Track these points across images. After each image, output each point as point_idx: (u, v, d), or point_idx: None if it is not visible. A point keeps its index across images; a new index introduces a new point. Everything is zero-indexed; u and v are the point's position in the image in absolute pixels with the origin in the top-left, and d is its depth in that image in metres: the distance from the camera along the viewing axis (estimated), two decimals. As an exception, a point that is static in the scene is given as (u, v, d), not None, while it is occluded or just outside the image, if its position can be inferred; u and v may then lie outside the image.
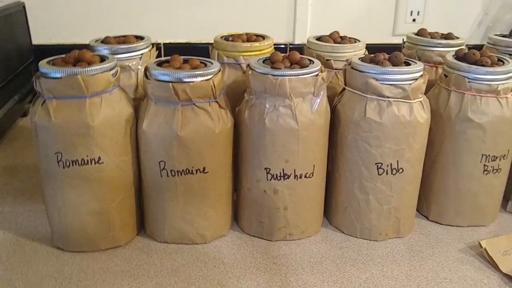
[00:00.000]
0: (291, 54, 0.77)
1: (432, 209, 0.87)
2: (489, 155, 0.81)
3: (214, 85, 0.72)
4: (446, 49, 0.92)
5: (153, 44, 0.91)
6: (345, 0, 1.35)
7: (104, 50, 0.83)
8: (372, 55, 0.79)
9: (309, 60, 0.78)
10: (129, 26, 1.28)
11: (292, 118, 0.74)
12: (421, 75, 0.76)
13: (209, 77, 0.72)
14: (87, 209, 0.74)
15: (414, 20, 1.38)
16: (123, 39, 0.88)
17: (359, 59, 0.79)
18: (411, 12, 1.38)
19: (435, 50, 0.92)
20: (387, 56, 0.79)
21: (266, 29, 1.32)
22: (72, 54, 0.73)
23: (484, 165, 0.82)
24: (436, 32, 0.98)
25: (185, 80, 0.71)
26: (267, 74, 0.73)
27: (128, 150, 0.75)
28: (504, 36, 1.00)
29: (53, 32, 1.27)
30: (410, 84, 0.74)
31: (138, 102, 0.80)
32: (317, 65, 0.76)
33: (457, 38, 0.96)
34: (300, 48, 1.34)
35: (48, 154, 0.71)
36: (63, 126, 0.69)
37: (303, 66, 0.75)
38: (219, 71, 0.75)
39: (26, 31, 1.24)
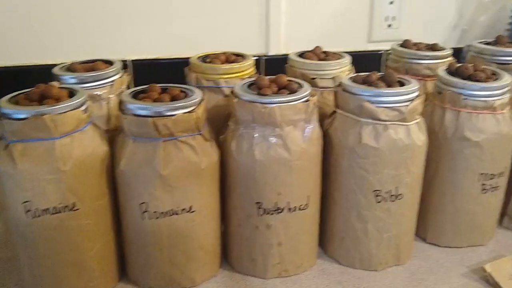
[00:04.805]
0: (278, 78, 0.72)
1: (430, 231, 0.83)
2: (487, 173, 0.77)
3: (198, 117, 0.66)
4: (434, 61, 0.88)
5: (124, 68, 0.83)
6: (319, 8, 1.30)
7: (70, 79, 0.75)
8: (364, 74, 0.74)
9: (297, 83, 0.72)
10: (93, 43, 1.19)
11: (284, 148, 0.68)
12: (417, 95, 0.71)
13: (192, 108, 0.66)
14: (62, 261, 0.66)
15: (389, 25, 1.35)
16: (91, 66, 0.80)
17: (350, 79, 0.74)
18: (386, 17, 1.34)
19: (423, 63, 0.88)
20: (378, 74, 0.75)
21: (238, 41, 1.26)
22: (36, 89, 0.65)
23: (482, 184, 0.78)
24: (420, 43, 0.94)
25: (166, 114, 0.64)
26: (255, 102, 0.67)
27: (105, 192, 0.68)
28: (488, 43, 0.97)
29: (11, 54, 1.17)
30: (406, 105, 0.69)
31: (112, 134, 0.73)
32: (307, 89, 0.70)
33: (443, 49, 0.92)
34: (274, 60, 1.29)
35: (15, 204, 0.63)
36: (31, 172, 0.61)
37: (291, 91, 0.70)
38: (202, 100, 0.69)
39: (-20, 54, 1.14)
